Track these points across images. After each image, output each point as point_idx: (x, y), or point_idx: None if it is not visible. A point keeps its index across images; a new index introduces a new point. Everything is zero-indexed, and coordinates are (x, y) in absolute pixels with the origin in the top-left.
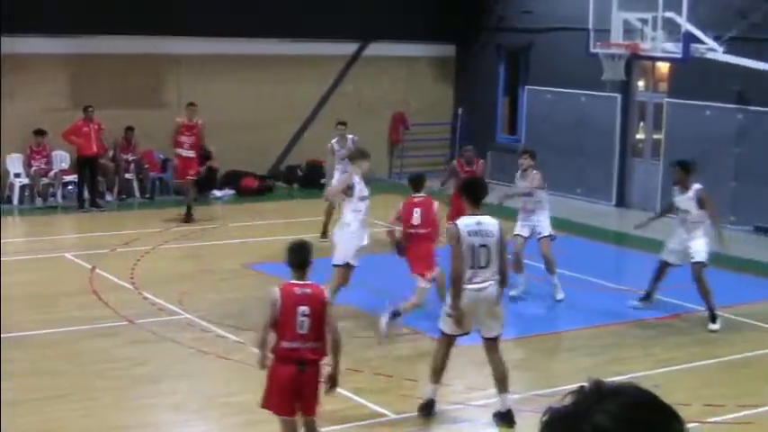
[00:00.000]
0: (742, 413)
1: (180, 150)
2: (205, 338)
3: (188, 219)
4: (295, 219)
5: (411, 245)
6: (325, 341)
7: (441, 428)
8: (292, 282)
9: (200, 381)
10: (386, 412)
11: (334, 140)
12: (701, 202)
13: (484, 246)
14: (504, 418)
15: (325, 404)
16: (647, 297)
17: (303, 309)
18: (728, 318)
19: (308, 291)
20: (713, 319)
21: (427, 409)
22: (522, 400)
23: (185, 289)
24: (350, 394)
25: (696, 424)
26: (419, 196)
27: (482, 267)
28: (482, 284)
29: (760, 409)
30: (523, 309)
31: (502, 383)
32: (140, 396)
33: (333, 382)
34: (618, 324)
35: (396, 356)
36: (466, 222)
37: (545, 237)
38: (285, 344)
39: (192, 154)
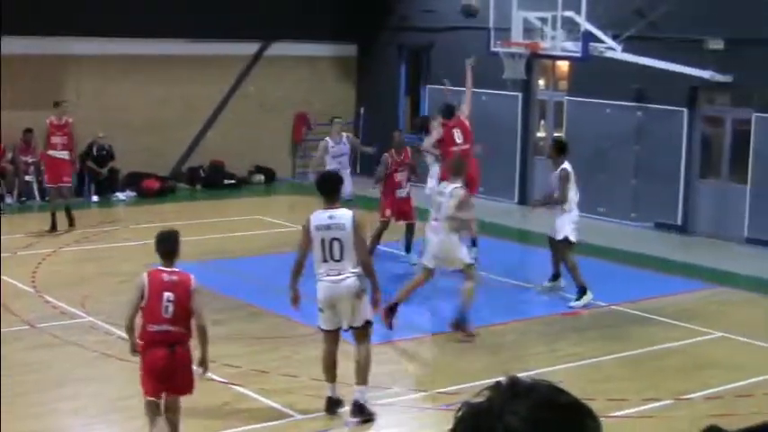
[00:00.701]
0: (645, 407)
1: (52, 152)
2: (108, 341)
3: (71, 223)
4: (198, 220)
5: None
6: (190, 326)
7: (345, 428)
8: (160, 268)
9: (103, 384)
10: (291, 413)
11: (328, 138)
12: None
13: (336, 239)
14: (360, 411)
15: (233, 404)
16: (554, 278)
17: (168, 295)
18: (630, 313)
19: (175, 278)
20: (581, 294)
21: (332, 408)
22: (427, 398)
23: (88, 292)
24: (256, 395)
25: (600, 419)
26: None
27: (337, 261)
28: (338, 277)
29: (662, 403)
30: (428, 307)
31: (360, 375)
32: (42, 401)
33: (204, 366)
34: (522, 321)
35: (301, 357)
36: (317, 217)
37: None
38: (153, 327)
39: (65, 155)
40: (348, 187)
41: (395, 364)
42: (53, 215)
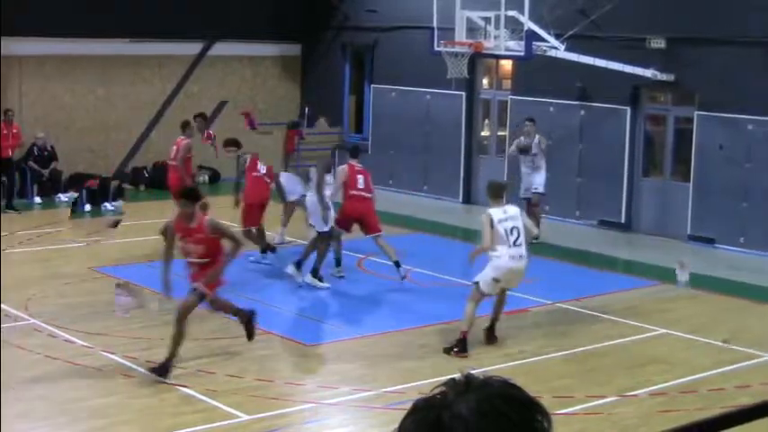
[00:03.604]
0: (591, 404)
1: None
2: (51, 344)
3: None
4: (142, 220)
5: None
6: None
7: (293, 428)
8: None
9: (49, 387)
10: (238, 413)
11: None
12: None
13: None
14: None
15: (180, 406)
16: None
17: None
18: (575, 310)
19: None
20: None
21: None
22: (373, 397)
23: (31, 294)
24: (202, 396)
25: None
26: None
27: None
28: None
29: (608, 399)
30: (369, 307)
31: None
32: None
33: None
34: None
35: (246, 357)
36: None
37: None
38: None
39: None
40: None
41: (344, 363)
42: None
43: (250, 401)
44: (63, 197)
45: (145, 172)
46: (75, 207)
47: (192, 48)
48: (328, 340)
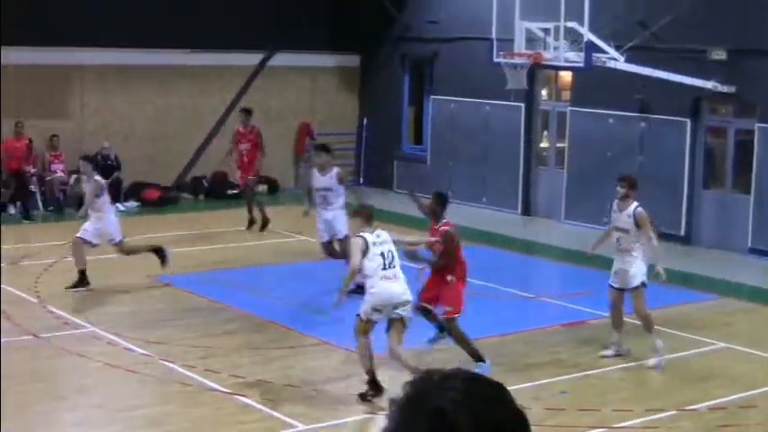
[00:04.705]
0: (649, 418)
1: None
2: (111, 352)
3: None
4: (200, 230)
5: None
6: None
7: None
8: None
9: (108, 394)
10: (296, 423)
11: None
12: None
13: None
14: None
15: (237, 415)
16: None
17: None
18: (633, 323)
19: None
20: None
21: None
22: None
23: (91, 302)
24: (260, 406)
25: (605, 430)
26: None
27: None
28: None
29: (666, 414)
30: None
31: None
32: (44, 412)
33: None
34: (524, 332)
35: (304, 366)
36: None
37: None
38: None
39: None
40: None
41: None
42: None
43: (308, 410)
44: (120, 206)
45: (204, 182)
46: None
47: (252, 59)
48: (384, 350)
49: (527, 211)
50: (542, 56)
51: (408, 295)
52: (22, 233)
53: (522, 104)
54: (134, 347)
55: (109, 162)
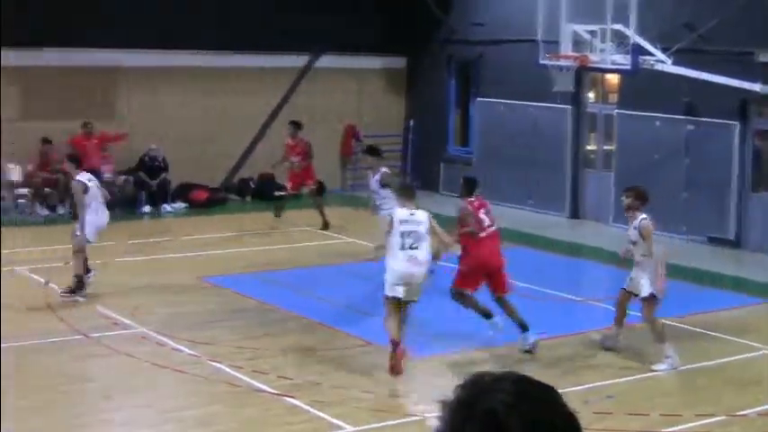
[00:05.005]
0: (699, 422)
1: None
2: (160, 352)
3: None
4: (247, 231)
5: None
6: None
7: None
8: None
9: (156, 394)
10: (343, 425)
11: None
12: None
13: None
14: None
15: (285, 416)
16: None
17: None
18: (683, 328)
19: None
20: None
21: None
22: None
23: (139, 302)
24: (308, 407)
25: None
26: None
27: None
28: None
29: (716, 419)
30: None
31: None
32: (93, 411)
33: None
34: (573, 335)
35: (353, 369)
36: None
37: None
38: None
39: None
40: None
41: (449, 376)
42: None
43: (355, 413)
44: (168, 207)
45: (251, 183)
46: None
47: (298, 60)
48: (433, 353)
49: (575, 214)
50: (589, 58)
51: (420, 279)
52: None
53: (569, 107)
54: (182, 348)
55: (156, 163)
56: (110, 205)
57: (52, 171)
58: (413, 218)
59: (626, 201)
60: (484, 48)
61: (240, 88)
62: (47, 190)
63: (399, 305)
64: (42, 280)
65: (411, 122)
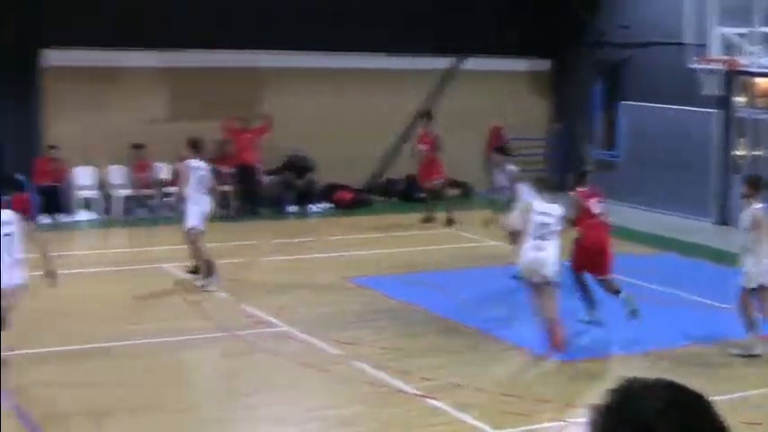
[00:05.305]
0: None
1: None
2: (304, 351)
3: None
4: (392, 233)
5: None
6: None
7: None
8: None
9: (300, 393)
10: (485, 428)
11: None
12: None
13: None
14: None
15: (427, 417)
16: None
17: None
18: None
19: None
20: None
21: None
22: None
23: (284, 301)
24: (450, 409)
25: None
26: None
27: None
28: None
29: None
30: (619, 326)
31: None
32: (240, 407)
33: None
34: (717, 342)
35: (494, 372)
36: None
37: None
38: None
39: None
40: None
41: (593, 381)
42: None
43: (498, 416)
44: (314, 207)
45: (396, 184)
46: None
47: (444, 63)
48: (578, 357)
49: (722, 219)
50: (738, 62)
51: (548, 270)
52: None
53: (717, 111)
54: (326, 347)
55: (303, 164)
56: (259, 204)
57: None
58: (548, 210)
59: (742, 190)
60: (630, 50)
61: (386, 90)
62: None
63: (539, 289)
64: (189, 277)
65: (556, 125)
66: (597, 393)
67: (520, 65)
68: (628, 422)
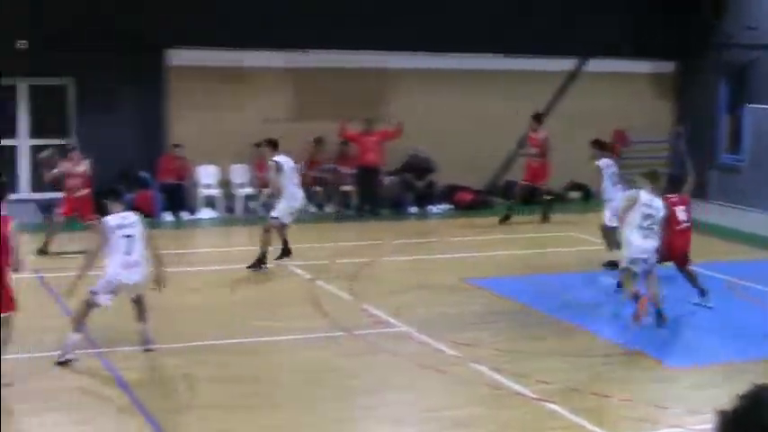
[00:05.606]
0: None
1: None
2: (422, 351)
3: None
4: (512, 234)
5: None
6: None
7: None
8: None
9: (418, 393)
10: None
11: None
12: None
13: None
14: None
15: (545, 421)
16: None
17: None
18: None
19: None
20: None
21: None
22: None
23: (403, 301)
24: (567, 413)
25: None
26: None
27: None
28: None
29: None
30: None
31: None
32: (358, 407)
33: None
34: None
35: (613, 376)
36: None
37: None
38: None
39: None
40: None
41: (713, 388)
42: None
43: (615, 421)
44: (434, 208)
45: (516, 186)
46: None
47: (566, 64)
48: (699, 363)
49: None
50: None
51: (653, 259)
52: (337, 232)
53: None
54: (444, 348)
55: (423, 165)
56: (379, 205)
57: (322, 170)
58: (654, 203)
59: None
60: (757, 52)
61: (508, 91)
62: (315, 188)
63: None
64: (309, 276)
65: (679, 128)
66: (719, 400)
67: (643, 66)
68: (757, 428)
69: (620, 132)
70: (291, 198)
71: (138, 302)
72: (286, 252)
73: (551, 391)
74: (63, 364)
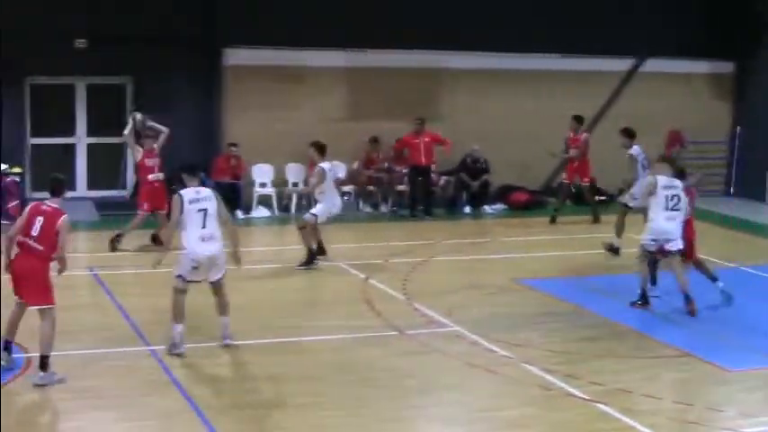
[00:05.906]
0: None
1: None
2: (473, 351)
3: None
4: (566, 235)
5: None
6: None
7: None
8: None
9: (469, 393)
10: None
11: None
12: None
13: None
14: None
15: (595, 422)
16: None
17: (39, 218)
18: None
19: (47, 208)
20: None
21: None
22: None
23: (455, 301)
24: (619, 414)
25: None
26: None
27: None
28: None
29: None
30: None
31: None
32: (409, 406)
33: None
34: None
35: (666, 378)
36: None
37: None
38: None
39: None
40: None
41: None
42: None
43: (667, 424)
44: (488, 209)
45: (572, 187)
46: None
47: (623, 64)
48: (751, 367)
49: None
50: None
51: (673, 236)
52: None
53: None
54: (495, 348)
55: (478, 165)
56: (433, 204)
57: (377, 170)
58: (674, 184)
59: None
60: None
61: (565, 92)
62: (370, 188)
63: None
64: (362, 275)
65: (738, 129)
66: None
67: (701, 67)
68: None
69: (675, 133)
70: (331, 204)
71: (218, 291)
72: (321, 251)
73: (603, 393)
74: (175, 356)
